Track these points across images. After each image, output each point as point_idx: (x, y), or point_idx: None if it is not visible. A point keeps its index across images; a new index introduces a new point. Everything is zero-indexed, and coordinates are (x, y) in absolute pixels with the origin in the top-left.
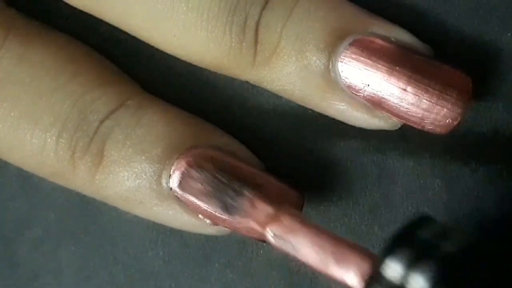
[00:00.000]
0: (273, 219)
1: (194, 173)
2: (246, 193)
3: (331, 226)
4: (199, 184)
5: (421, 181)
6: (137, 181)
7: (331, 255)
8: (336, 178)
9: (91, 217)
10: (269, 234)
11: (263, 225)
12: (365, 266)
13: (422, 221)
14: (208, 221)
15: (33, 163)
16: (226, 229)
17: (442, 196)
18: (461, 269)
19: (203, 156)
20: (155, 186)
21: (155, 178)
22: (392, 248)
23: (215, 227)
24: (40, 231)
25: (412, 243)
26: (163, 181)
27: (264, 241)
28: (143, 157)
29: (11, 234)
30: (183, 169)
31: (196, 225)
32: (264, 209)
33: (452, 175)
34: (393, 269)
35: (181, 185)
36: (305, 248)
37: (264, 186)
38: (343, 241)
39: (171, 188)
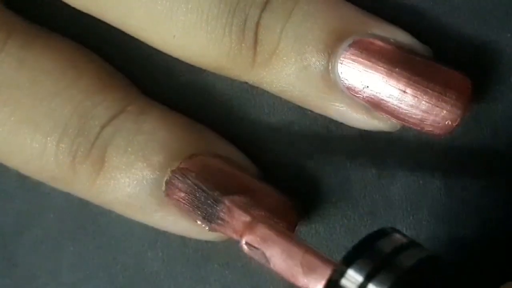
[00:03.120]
0: (248, 227)
1: (176, 181)
2: (225, 201)
3: (330, 227)
4: (182, 193)
5: (421, 181)
6: (137, 188)
7: (300, 266)
8: (335, 179)
9: (90, 217)
10: (243, 243)
11: (240, 233)
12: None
13: (383, 233)
14: (206, 226)
15: (33, 167)
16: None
17: (441, 197)
18: (418, 282)
19: (201, 164)
20: (155, 193)
21: (156, 185)
22: (352, 258)
23: (214, 233)
24: (39, 231)
25: (372, 254)
26: (163, 188)
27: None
28: (145, 164)
29: (10, 235)
30: (167, 177)
31: (195, 230)
32: (240, 217)
33: (452, 176)
34: (352, 279)
35: (167, 193)
36: (276, 258)
37: (259, 195)
38: (313, 252)
39: None
